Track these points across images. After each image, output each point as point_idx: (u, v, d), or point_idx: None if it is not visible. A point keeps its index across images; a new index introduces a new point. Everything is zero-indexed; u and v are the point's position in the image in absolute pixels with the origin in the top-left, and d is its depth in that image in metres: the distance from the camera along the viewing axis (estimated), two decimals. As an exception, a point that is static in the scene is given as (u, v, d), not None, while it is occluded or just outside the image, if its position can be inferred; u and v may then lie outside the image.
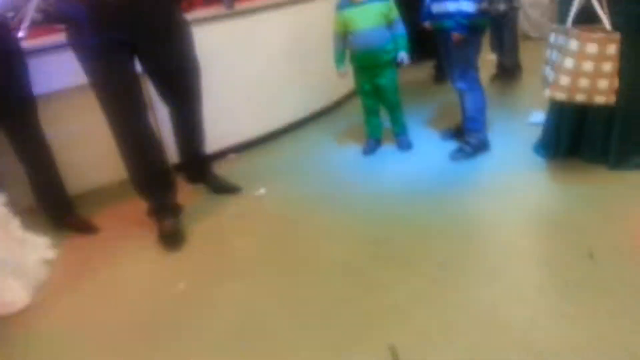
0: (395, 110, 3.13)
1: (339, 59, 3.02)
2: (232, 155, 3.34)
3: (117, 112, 2.34)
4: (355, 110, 3.29)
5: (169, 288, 2.14)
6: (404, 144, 3.15)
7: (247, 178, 2.96)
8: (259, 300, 2.01)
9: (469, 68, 2.79)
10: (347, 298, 1.94)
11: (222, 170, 3.01)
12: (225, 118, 3.25)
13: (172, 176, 2.61)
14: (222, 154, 3.28)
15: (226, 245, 2.45)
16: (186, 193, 2.77)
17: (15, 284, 2.11)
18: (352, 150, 3.22)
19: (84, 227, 2.66)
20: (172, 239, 2.45)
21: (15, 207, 2.37)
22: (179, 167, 2.86)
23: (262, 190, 2.85)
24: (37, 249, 2.37)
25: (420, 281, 1.97)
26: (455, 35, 2.66)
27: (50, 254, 2.41)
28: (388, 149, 3.19)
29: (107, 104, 2.32)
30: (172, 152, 2.76)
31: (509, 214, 2.36)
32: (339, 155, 3.22)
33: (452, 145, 3.01)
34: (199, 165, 2.86)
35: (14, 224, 2.29)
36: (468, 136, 2.91)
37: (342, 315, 1.85)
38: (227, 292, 2.08)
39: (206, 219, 2.65)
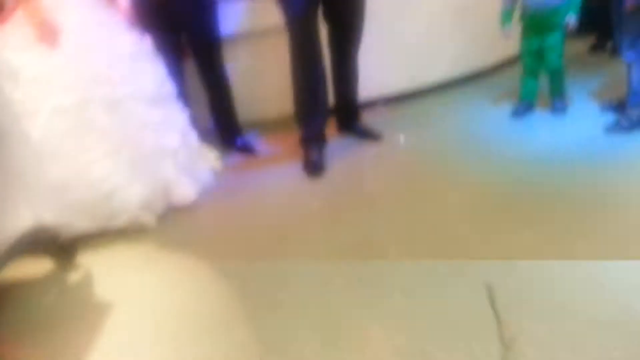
0: (556, 74, 3.06)
1: (506, 18, 3.01)
2: (381, 106, 3.53)
3: (304, 49, 2.70)
4: (514, 74, 3.25)
5: (304, 205, 2.47)
6: (559, 108, 3.08)
7: (391, 127, 3.15)
8: (379, 226, 2.23)
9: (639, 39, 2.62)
10: (458, 237, 2.06)
11: (369, 119, 3.23)
12: (379, 69, 3.42)
13: (328, 113, 2.95)
14: (371, 104, 3.48)
15: (359, 180, 2.70)
16: (333, 133, 3.08)
17: (187, 182, 2.60)
18: (503, 112, 3.20)
19: (247, 149, 3.12)
20: (314, 166, 2.77)
21: (197, 124, 2.87)
22: (332, 111, 3.15)
23: (401, 139, 3.02)
24: (207, 159, 2.85)
25: (533, 237, 2.00)
26: (629, 2, 2.53)
27: (217, 165, 2.88)
28: (541, 114, 3.13)
29: (298, 42, 2.69)
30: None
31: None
32: (487, 116, 3.24)
33: (610, 117, 2.85)
34: (349, 110, 3.13)
35: (192, 136, 2.78)
36: (629, 110, 2.74)
37: (449, 250, 1.99)
38: (352, 216, 2.33)
39: (346, 156, 2.93)
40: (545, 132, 2.93)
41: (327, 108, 2.93)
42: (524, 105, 3.15)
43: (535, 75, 3.11)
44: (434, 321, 1.64)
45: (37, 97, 2.25)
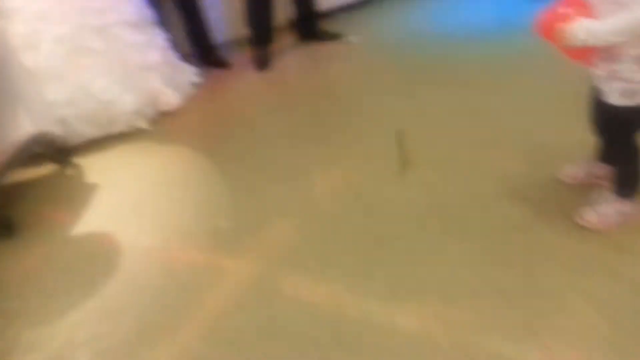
0: None
1: None
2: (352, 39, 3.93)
3: None
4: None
5: (267, 101, 3.03)
6: None
7: (347, 30, 3.63)
8: (326, 106, 2.81)
9: None
10: (382, 103, 2.62)
11: (328, 26, 3.71)
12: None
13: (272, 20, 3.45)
14: (331, 14, 3.92)
15: (313, 75, 3.25)
16: (289, 39, 3.64)
17: (172, 92, 3.11)
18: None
19: (221, 63, 3.61)
20: (259, 61, 3.39)
21: (177, 49, 3.34)
22: (293, 23, 3.62)
23: (352, 38, 3.51)
24: (187, 73, 3.35)
25: (446, 95, 2.57)
26: None
27: (196, 78, 3.38)
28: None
29: None
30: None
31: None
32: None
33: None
34: (309, 19, 3.59)
35: (172, 54, 3.27)
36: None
37: (372, 115, 2.56)
38: (303, 105, 2.87)
39: (304, 57, 3.51)
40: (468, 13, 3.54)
41: (272, 16, 3.41)
42: None
43: None
44: (359, 159, 2.21)
45: (39, 30, 2.73)
